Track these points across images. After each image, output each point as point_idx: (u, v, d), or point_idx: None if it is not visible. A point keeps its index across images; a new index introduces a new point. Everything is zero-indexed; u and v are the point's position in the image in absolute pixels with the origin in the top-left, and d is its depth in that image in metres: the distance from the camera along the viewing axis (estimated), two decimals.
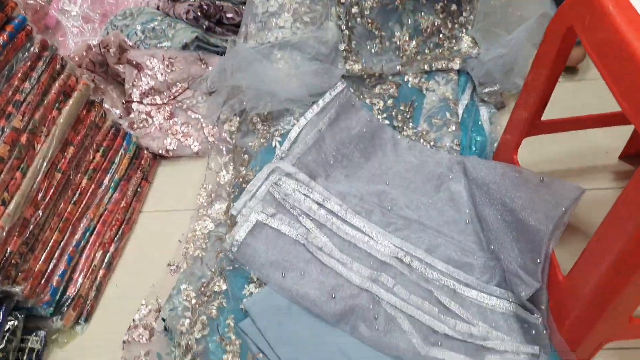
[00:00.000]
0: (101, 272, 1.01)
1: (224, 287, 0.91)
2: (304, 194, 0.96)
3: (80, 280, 0.97)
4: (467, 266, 0.89)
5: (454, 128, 1.07)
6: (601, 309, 0.68)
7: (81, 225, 1.00)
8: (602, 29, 0.57)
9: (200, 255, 0.98)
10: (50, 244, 0.92)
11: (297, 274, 0.90)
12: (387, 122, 1.12)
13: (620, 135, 1.01)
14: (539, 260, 0.80)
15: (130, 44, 1.27)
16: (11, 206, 0.81)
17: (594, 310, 0.70)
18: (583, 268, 0.70)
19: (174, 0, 1.35)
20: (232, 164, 1.08)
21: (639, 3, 0.57)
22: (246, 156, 1.03)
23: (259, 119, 1.08)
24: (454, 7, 1.14)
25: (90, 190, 1.02)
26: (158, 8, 1.42)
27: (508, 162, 0.93)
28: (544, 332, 0.79)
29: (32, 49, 0.92)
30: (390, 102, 1.14)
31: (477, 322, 0.83)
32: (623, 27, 0.54)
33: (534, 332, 0.80)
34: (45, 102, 0.92)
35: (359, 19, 1.10)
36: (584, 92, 1.16)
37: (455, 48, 1.16)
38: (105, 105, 1.23)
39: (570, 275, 0.75)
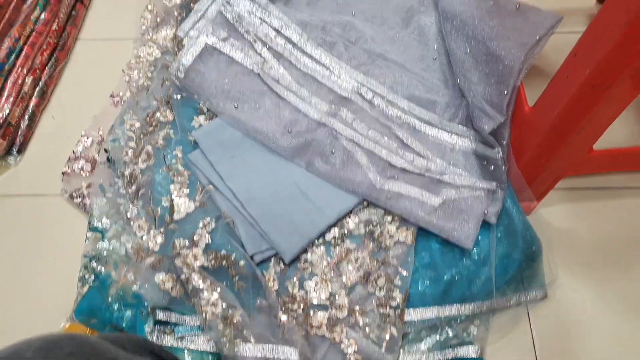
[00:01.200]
0: (33, 101, 0.92)
1: (171, 117, 0.85)
2: (260, 18, 0.86)
3: (7, 106, 0.88)
4: (431, 104, 0.85)
5: None
6: (564, 137, 0.66)
7: (4, 45, 0.88)
8: None
9: (145, 83, 0.89)
10: None
11: (251, 105, 0.83)
12: None
13: None
14: (505, 92, 0.76)
15: None
16: None
17: (556, 139, 0.68)
18: (551, 93, 0.67)
19: None
20: None
21: None
22: None
23: None
24: None
25: (12, 5, 0.89)
26: None
27: None
28: (503, 167, 0.77)
29: None
30: None
31: (436, 159, 0.81)
32: None
33: (492, 167, 0.79)
34: None
35: None
36: None
37: None
38: None
39: (536, 105, 0.71)
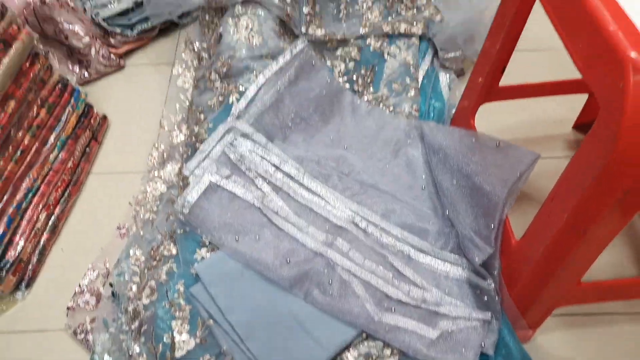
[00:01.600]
0: (45, 236, 0.96)
1: (174, 251, 0.88)
2: (261, 156, 0.93)
3: (21, 243, 0.92)
4: (422, 232, 0.89)
5: (413, 94, 1.06)
6: (550, 272, 0.69)
7: (23, 185, 0.94)
8: None
9: (150, 218, 0.94)
10: None
11: (251, 237, 0.88)
12: (347, 85, 1.09)
13: (573, 106, 1.02)
14: (492, 226, 0.80)
15: (72, 5, 1.17)
16: None
17: (544, 273, 0.70)
18: (535, 231, 0.71)
19: None
20: (186, 123, 1.03)
21: None
22: (202, 115, 0.99)
23: (217, 77, 1.03)
24: None
25: (33, 149, 0.97)
26: None
27: (465, 127, 0.92)
28: (496, 298, 0.79)
29: None
30: (351, 65, 1.11)
31: (431, 288, 0.83)
32: None
33: (486, 298, 0.81)
34: None
35: None
36: (540, 62, 1.16)
37: (417, 14, 1.14)
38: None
39: (522, 239, 0.75)
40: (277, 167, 0.93)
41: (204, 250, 0.88)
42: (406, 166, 0.97)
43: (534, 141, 1.02)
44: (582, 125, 1.03)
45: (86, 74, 1.21)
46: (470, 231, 0.82)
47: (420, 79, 1.10)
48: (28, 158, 0.95)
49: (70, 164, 1.02)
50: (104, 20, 1.19)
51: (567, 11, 0.56)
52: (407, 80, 1.08)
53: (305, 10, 1.07)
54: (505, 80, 0.87)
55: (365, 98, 1.07)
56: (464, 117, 0.94)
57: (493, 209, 0.80)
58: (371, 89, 1.10)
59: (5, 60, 0.90)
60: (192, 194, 0.89)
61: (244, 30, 1.01)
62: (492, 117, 1.00)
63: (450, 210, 0.87)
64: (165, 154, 1.00)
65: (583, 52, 0.53)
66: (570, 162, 0.64)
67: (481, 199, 0.82)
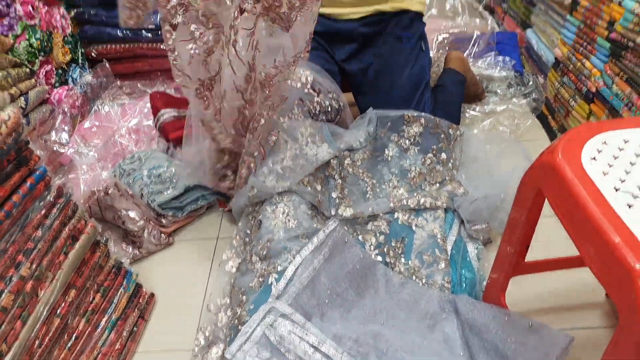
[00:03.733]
0: None
1: None
2: (299, 337, 0.97)
3: None
4: None
5: (443, 265, 1.11)
6: None
7: None
8: (564, 196, 0.64)
9: None
10: None
11: None
12: (379, 258, 1.16)
13: None
14: None
15: (131, 193, 1.33)
16: (7, 358, 0.82)
17: None
18: None
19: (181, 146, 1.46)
20: (229, 305, 1.10)
21: (594, 172, 0.64)
22: (244, 297, 1.06)
23: (258, 258, 1.12)
24: (443, 155, 1.24)
25: (86, 333, 1.03)
26: (167, 150, 1.53)
27: (496, 302, 0.95)
28: None
29: (48, 197, 0.98)
30: (381, 238, 1.19)
31: None
32: (582, 196, 0.61)
33: None
34: (54, 247, 0.97)
35: (350, 170, 1.20)
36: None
37: (441, 188, 1.24)
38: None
39: None
40: (315, 348, 0.96)
41: None
42: (444, 342, 0.98)
43: (568, 310, 1.03)
44: None
45: (137, 253, 1.33)
46: None
47: (449, 250, 1.16)
48: (80, 344, 1.01)
49: (118, 346, 1.08)
50: (158, 205, 1.33)
51: (575, 220, 0.63)
52: (437, 252, 1.14)
53: (334, 195, 1.18)
54: (537, 248, 0.91)
55: (397, 269, 1.13)
56: (494, 291, 0.97)
57: None
58: (402, 260, 1.15)
59: (72, 253, 1.01)
60: None
61: (281, 215, 1.12)
62: (523, 286, 1.03)
63: None
64: (210, 337, 1.04)
65: (593, 259, 0.59)
66: (608, 347, 0.65)
67: None
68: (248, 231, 1.19)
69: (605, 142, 0.68)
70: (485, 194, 1.20)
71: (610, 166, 0.65)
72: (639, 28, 1.09)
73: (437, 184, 1.26)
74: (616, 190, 0.62)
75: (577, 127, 0.73)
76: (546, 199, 0.71)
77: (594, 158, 0.66)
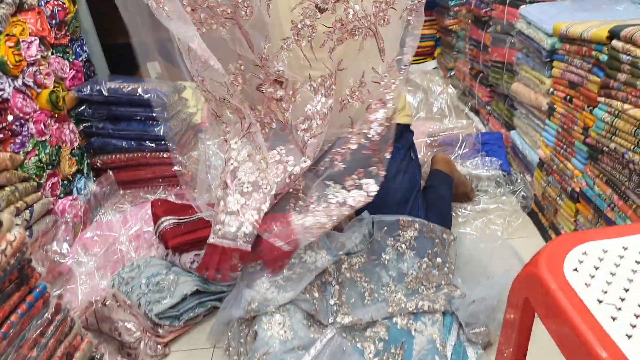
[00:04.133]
0: None
1: None
2: None
3: None
4: None
5: None
6: None
7: None
8: (549, 307, 0.65)
9: None
10: None
11: None
12: None
13: None
14: None
15: (128, 303, 1.34)
16: None
17: None
18: None
19: (181, 252, 1.48)
20: None
21: (577, 283, 0.66)
22: None
23: None
24: (438, 259, 1.27)
25: None
26: (166, 256, 1.55)
27: None
28: None
29: (46, 314, 0.99)
30: (380, 345, 1.17)
31: None
32: (568, 309, 0.63)
33: None
34: None
35: (348, 274, 1.22)
36: None
37: (437, 291, 1.25)
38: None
39: None
40: None
41: None
42: None
43: None
44: None
45: None
46: None
47: (449, 356, 1.14)
48: None
49: None
50: (155, 315, 1.33)
51: (560, 332, 0.64)
52: (437, 358, 1.12)
53: (332, 301, 1.19)
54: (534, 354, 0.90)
55: None
56: None
57: None
58: None
59: None
60: None
61: (277, 326, 1.12)
62: None
63: None
64: None
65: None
66: None
67: None
68: (242, 340, 1.18)
69: (585, 253, 0.71)
70: (482, 295, 1.21)
71: (592, 277, 0.67)
72: (611, 135, 1.17)
73: (434, 288, 1.27)
74: (599, 302, 0.63)
75: (559, 237, 0.76)
76: None
77: (576, 269, 0.69)
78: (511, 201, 1.75)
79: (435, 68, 3.08)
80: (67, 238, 1.64)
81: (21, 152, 1.52)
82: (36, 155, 1.58)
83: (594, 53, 1.24)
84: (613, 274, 0.68)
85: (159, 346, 1.33)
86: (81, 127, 1.96)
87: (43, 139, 1.63)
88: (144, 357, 1.30)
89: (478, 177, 1.80)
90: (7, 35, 1.52)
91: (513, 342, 0.85)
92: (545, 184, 1.60)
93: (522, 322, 0.80)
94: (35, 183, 1.54)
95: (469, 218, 1.69)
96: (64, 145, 1.77)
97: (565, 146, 1.45)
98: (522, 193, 1.75)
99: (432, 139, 1.98)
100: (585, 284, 0.67)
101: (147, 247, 1.70)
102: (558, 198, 1.50)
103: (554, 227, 1.55)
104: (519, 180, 1.80)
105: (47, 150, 1.64)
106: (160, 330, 1.36)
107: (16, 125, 1.52)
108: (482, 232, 1.60)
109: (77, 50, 1.99)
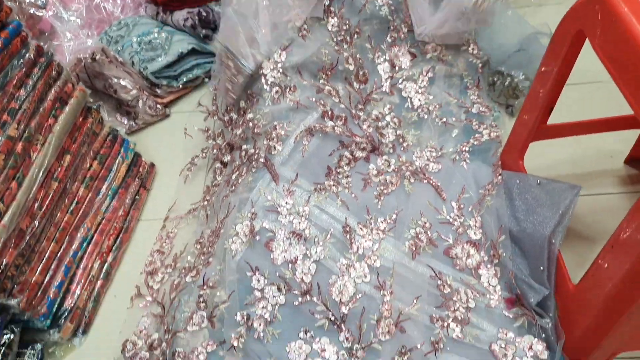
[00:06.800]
0: (99, 283, 0.99)
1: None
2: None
3: (77, 291, 0.95)
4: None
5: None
6: (614, 319, 0.67)
7: (78, 234, 0.98)
8: (615, 33, 0.56)
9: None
10: (47, 255, 0.90)
11: None
12: None
13: (624, 139, 1.00)
14: (542, 267, 0.78)
15: (120, 60, 1.23)
16: (7, 217, 0.79)
17: (607, 321, 0.68)
18: (595, 278, 0.69)
19: (172, 9, 1.33)
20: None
21: None
22: None
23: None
24: None
25: (87, 199, 1.00)
26: (156, 15, 1.40)
27: (514, 167, 0.91)
28: (552, 337, 0.77)
29: (27, 55, 0.90)
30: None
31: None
32: (637, 30, 0.53)
33: (544, 335, 0.79)
34: (41, 109, 0.90)
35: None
36: (589, 95, 1.14)
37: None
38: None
39: (580, 285, 0.73)
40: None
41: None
42: None
43: (585, 177, 1.00)
44: (635, 159, 1.00)
45: (134, 124, 1.26)
46: (525, 273, 0.81)
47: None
48: (82, 208, 0.99)
49: (121, 212, 1.06)
50: (151, 73, 1.24)
51: (619, 52, 0.56)
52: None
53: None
54: (554, 114, 0.86)
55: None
56: (512, 156, 0.93)
57: (540, 250, 0.79)
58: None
59: (62, 117, 0.95)
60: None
61: None
62: (541, 153, 0.99)
63: (505, 253, 0.86)
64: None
65: (636, 91, 0.53)
66: (630, 210, 0.62)
67: (529, 241, 0.81)
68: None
69: None
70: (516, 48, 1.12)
71: None
72: None
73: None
74: None
75: None
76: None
77: None
78: None
79: None
80: None
81: None
82: None
83: None
84: None
85: (158, 106, 1.28)
86: None
87: None
88: (143, 116, 1.26)
89: None
90: None
91: (544, 94, 0.78)
92: None
93: (562, 67, 0.71)
94: None
95: None
96: None
97: None
98: None
99: None
100: None
101: (134, 8, 1.54)
102: None
103: None
104: None
105: None
106: (158, 91, 1.30)
107: None
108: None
109: None
